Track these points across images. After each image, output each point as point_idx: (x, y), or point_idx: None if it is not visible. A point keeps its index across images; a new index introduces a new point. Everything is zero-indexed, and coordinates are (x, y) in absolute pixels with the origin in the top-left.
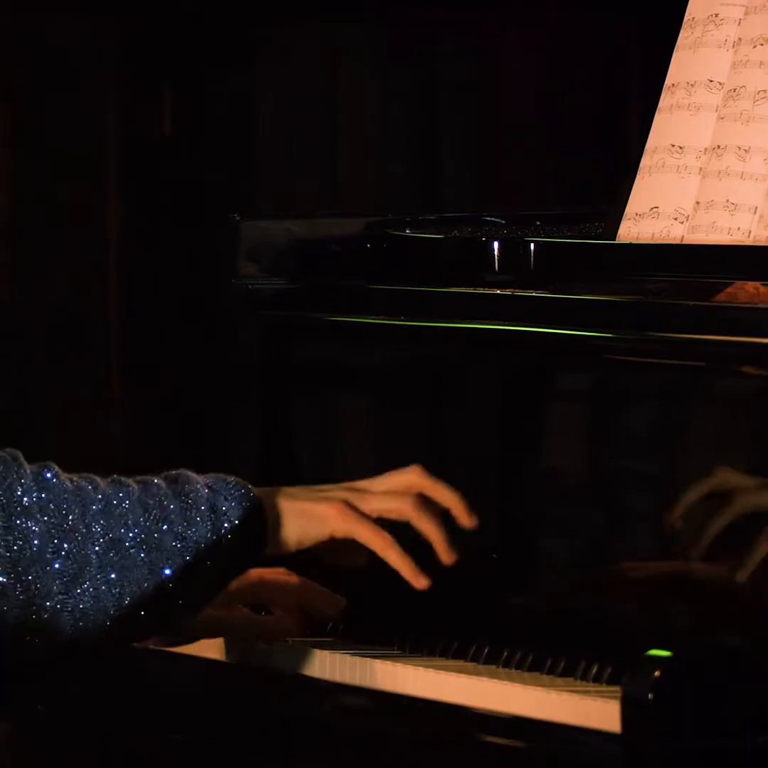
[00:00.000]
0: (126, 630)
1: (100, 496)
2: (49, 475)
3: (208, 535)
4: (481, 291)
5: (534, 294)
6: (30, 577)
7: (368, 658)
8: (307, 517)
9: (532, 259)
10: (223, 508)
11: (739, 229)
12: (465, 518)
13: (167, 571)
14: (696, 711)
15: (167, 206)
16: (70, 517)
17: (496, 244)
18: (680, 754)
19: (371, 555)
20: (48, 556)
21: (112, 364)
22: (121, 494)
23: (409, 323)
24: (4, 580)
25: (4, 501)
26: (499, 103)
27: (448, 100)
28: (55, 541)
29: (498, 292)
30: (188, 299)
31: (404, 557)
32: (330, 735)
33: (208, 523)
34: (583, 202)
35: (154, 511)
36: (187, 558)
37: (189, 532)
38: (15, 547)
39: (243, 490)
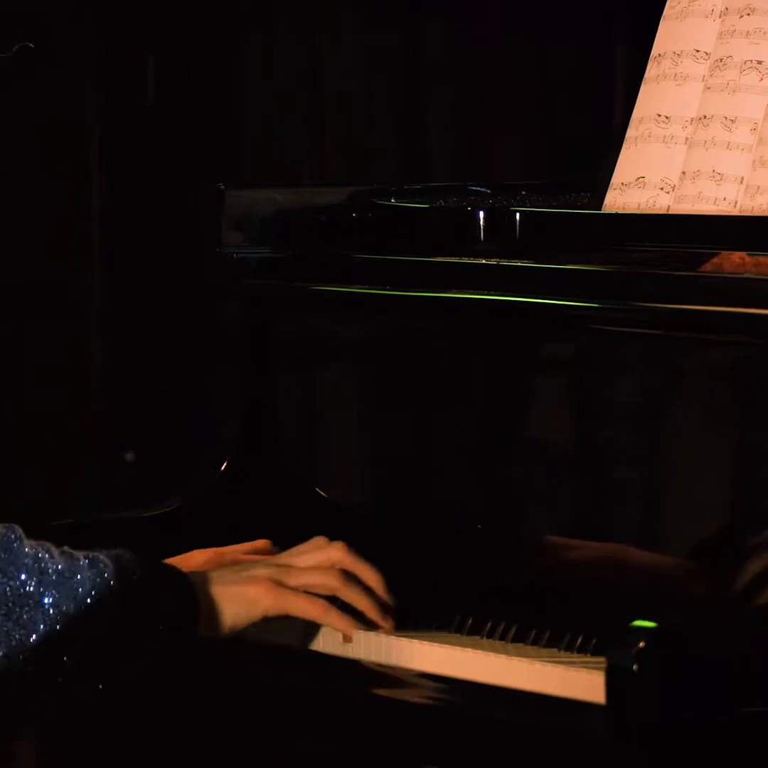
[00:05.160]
0: (61, 697)
1: (58, 567)
2: (13, 537)
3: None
4: (466, 260)
5: (519, 263)
6: None
7: (353, 630)
8: (238, 601)
9: (517, 228)
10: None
11: (725, 199)
12: (384, 596)
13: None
14: (680, 682)
15: (151, 174)
16: (28, 585)
17: (481, 214)
18: (665, 725)
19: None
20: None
21: (94, 334)
22: (72, 568)
23: (394, 293)
24: None
25: None
26: (484, 73)
27: (433, 70)
28: (9, 604)
29: (483, 261)
30: (172, 268)
31: (344, 618)
32: (312, 702)
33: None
34: (568, 172)
35: (101, 589)
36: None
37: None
38: None
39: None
